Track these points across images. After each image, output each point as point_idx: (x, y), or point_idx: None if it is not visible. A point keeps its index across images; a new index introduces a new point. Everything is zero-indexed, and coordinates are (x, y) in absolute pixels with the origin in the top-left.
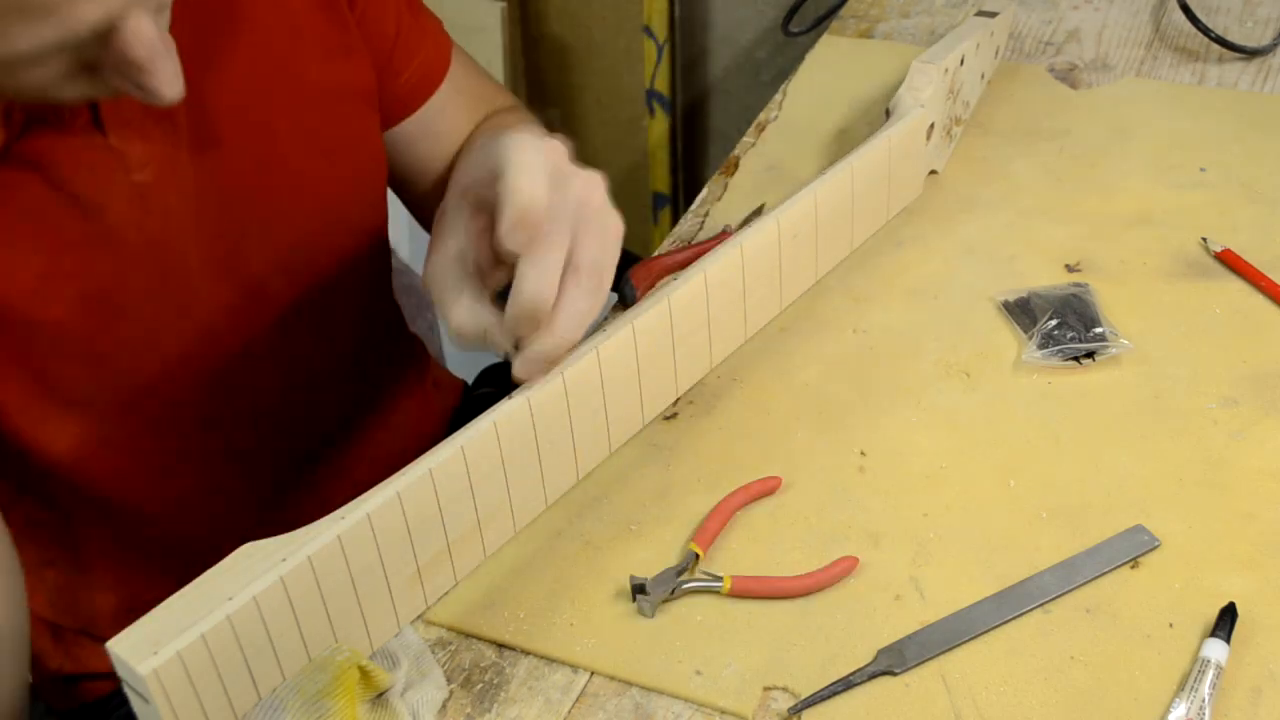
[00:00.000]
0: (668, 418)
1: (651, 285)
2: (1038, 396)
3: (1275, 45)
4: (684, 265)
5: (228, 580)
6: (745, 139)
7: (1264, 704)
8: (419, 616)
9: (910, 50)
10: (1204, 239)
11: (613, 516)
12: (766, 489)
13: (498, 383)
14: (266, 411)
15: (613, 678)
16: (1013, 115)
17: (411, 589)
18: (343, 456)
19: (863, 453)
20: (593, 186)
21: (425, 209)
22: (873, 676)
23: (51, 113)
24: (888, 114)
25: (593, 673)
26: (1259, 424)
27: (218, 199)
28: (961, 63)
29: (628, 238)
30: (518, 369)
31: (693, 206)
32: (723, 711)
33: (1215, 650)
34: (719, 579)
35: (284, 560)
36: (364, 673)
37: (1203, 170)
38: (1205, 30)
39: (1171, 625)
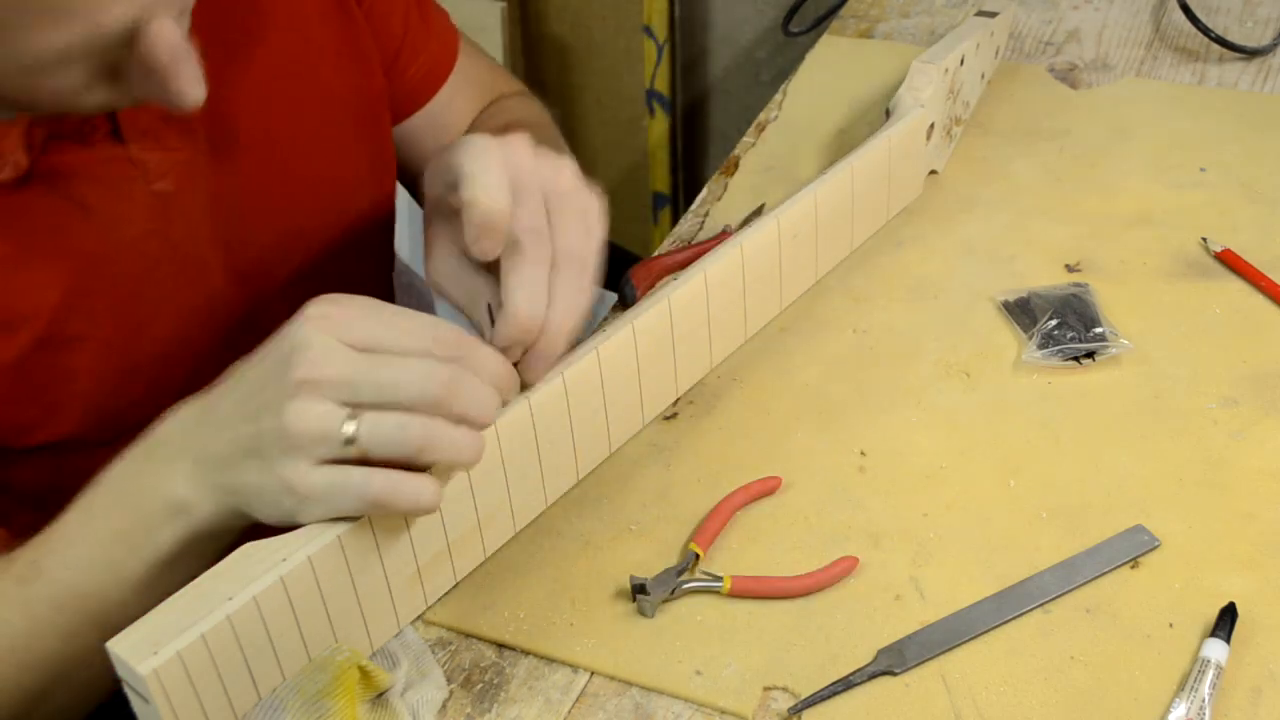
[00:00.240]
0: (668, 418)
1: (651, 285)
2: (1038, 396)
3: (1275, 45)
4: (684, 265)
5: (228, 580)
6: (745, 139)
7: (1264, 704)
8: (419, 616)
9: (910, 50)
10: (1204, 239)
11: (613, 516)
12: (766, 489)
13: None
14: None
15: (613, 678)
16: (1013, 115)
17: (411, 589)
18: None
19: (863, 453)
20: (559, 170)
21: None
22: (873, 676)
23: (72, 127)
24: (888, 114)
25: (593, 673)
26: (1259, 424)
27: (235, 205)
28: (961, 63)
29: (628, 238)
30: (521, 373)
31: (693, 206)
32: (723, 711)
33: (1215, 650)
34: (719, 579)
35: (284, 560)
36: (364, 673)
37: (1203, 170)
38: (1205, 30)
39: (1171, 625)
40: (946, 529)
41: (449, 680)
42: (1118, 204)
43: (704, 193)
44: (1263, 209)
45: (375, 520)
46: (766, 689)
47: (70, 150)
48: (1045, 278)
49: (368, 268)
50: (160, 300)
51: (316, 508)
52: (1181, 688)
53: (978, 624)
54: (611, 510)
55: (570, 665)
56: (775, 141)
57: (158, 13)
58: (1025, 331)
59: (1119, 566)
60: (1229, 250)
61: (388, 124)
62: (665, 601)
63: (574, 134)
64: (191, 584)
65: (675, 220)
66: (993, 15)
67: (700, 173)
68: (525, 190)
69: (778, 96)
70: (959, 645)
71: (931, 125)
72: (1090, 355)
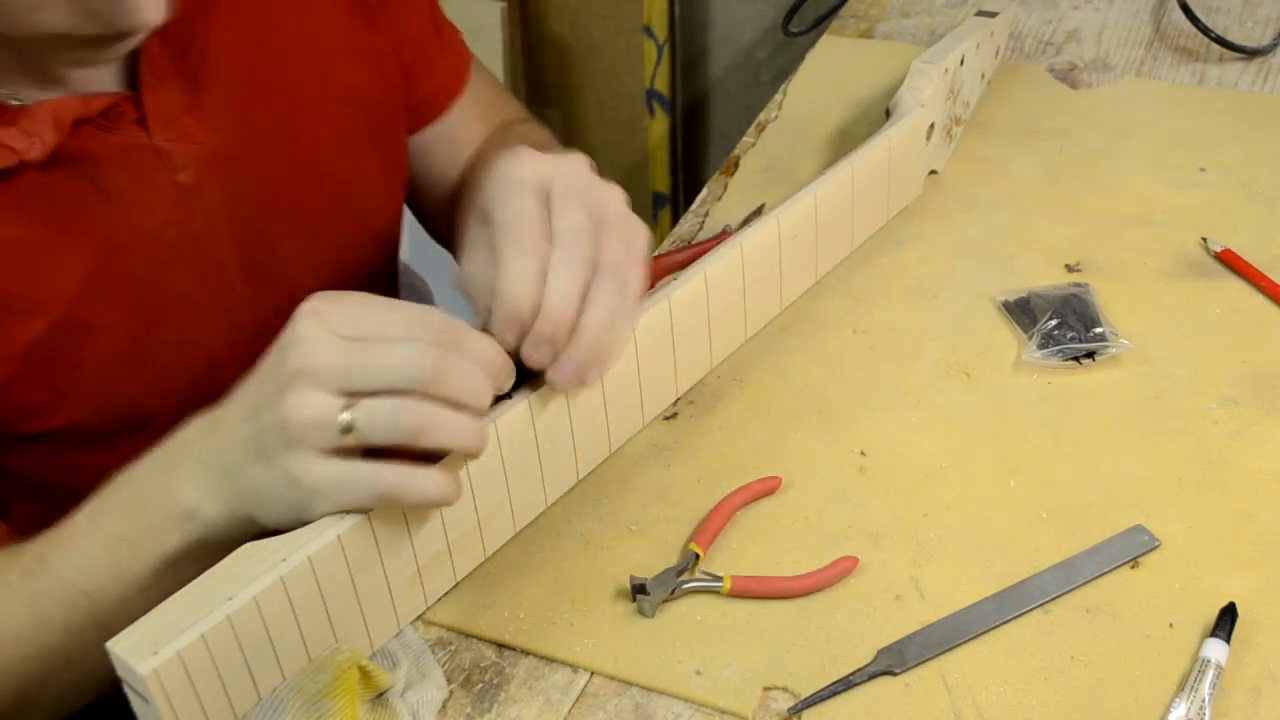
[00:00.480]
0: (668, 418)
1: (651, 285)
2: (1038, 396)
3: (1275, 45)
4: (684, 265)
5: (228, 580)
6: (745, 139)
7: (1264, 704)
8: (419, 616)
9: (910, 50)
10: (1204, 239)
11: (613, 516)
12: (766, 489)
13: None
14: None
15: (613, 678)
16: (1013, 115)
17: (411, 589)
18: None
19: (863, 453)
20: (611, 194)
21: (437, 220)
22: (873, 676)
23: (99, 111)
24: (888, 114)
25: (593, 673)
26: (1259, 424)
27: (254, 200)
28: (961, 63)
29: None
30: (551, 376)
31: (693, 206)
32: (723, 711)
33: (1215, 650)
34: (719, 579)
35: (284, 560)
36: (364, 673)
37: (1202, 170)
38: (1205, 30)
39: (1171, 625)
40: (946, 529)
41: (449, 680)
42: (1118, 204)
43: (704, 193)
44: (1263, 209)
45: (375, 520)
46: (766, 689)
47: (95, 135)
48: (1045, 278)
49: (377, 269)
50: (176, 292)
51: (324, 501)
52: (1181, 688)
53: (978, 624)
54: (611, 510)
55: (570, 665)
56: (775, 141)
57: None
58: (1025, 331)
59: (1119, 566)
60: (1229, 250)
61: (402, 130)
62: (665, 601)
63: (574, 134)
64: (191, 584)
65: (675, 220)
66: (993, 15)
67: (700, 173)
68: (569, 198)
69: (778, 96)
70: (959, 645)
71: (931, 125)
72: (1090, 355)
